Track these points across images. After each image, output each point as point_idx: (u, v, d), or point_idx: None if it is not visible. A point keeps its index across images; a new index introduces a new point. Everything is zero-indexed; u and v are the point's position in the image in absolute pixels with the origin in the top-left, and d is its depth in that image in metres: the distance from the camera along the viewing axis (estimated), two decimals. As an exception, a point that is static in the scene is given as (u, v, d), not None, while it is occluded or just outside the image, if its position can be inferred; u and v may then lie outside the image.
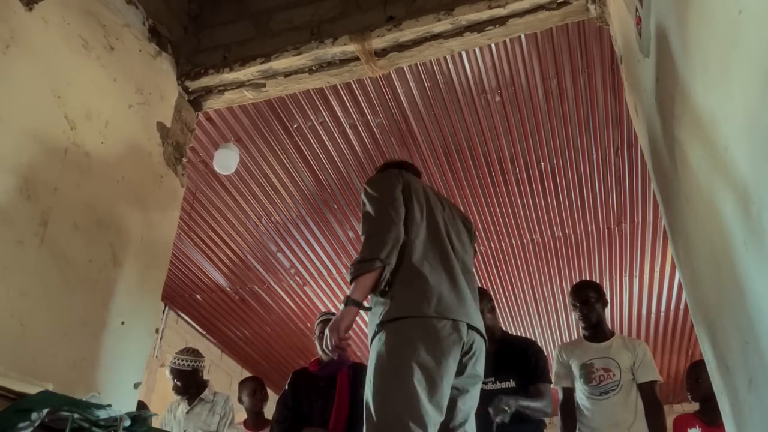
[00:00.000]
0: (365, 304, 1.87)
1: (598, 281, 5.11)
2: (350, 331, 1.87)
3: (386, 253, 1.84)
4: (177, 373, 3.86)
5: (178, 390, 3.87)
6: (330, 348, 1.85)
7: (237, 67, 2.93)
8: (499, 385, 2.84)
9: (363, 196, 2.05)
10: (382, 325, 1.84)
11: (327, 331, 1.86)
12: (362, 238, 1.93)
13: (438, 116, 3.77)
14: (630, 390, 2.95)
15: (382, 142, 3.96)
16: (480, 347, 1.95)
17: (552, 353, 6.37)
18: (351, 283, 1.86)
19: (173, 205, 2.86)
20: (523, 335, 6.38)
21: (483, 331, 1.97)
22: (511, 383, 2.83)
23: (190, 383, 3.86)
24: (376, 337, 1.84)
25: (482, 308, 2.29)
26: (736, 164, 1.05)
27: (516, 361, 2.88)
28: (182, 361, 3.90)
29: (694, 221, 1.46)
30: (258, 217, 4.67)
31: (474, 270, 2.18)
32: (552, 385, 3.23)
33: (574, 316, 3.20)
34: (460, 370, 1.88)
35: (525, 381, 2.83)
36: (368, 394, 1.77)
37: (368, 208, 1.99)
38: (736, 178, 1.05)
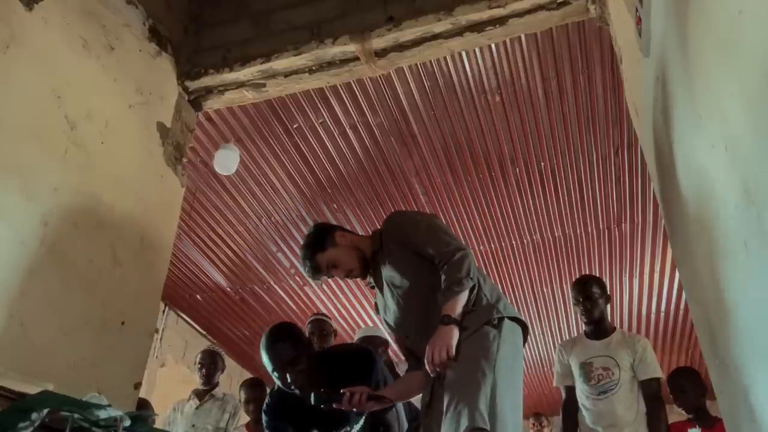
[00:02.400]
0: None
1: (598, 281, 5.10)
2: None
3: (474, 272, 1.93)
4: (210, 354, 4.04)
5: (206, 373, 3.95)
6: (436, 362, 1.79)
7: (237, 67, 2.93)
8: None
9: (409, 219, 2.16)
10: (499, 321, 1.87)
11: (435, 346, 1.81)
12: (443, 254, 1.95)
13: (438, 116, 3.77)
14: (631, 388, 2.92)
15: (382, 142, 3.96)
16: None
17: (552, 354, 6.37)
18: (449, 299, 1.86)
19: (173, 205, 2.86)
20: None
21: None
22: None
23: (216, 368, 4.00)
24: (487, 331, 1.84)
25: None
26: (737, 164, 1.05)
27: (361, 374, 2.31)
28: (212, 346, 4.18)
29: (694, 221, 1.46)
30: (258, 217, 4.67)
31: None
32: (554, 384, 3.23)
33: (576, 311, 3.16)
34: None
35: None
36: (474, 381, 1.72)
37: (432, 225, 2.07)
38: (737, 178, 1.05)
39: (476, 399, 1.67)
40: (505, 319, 1.90)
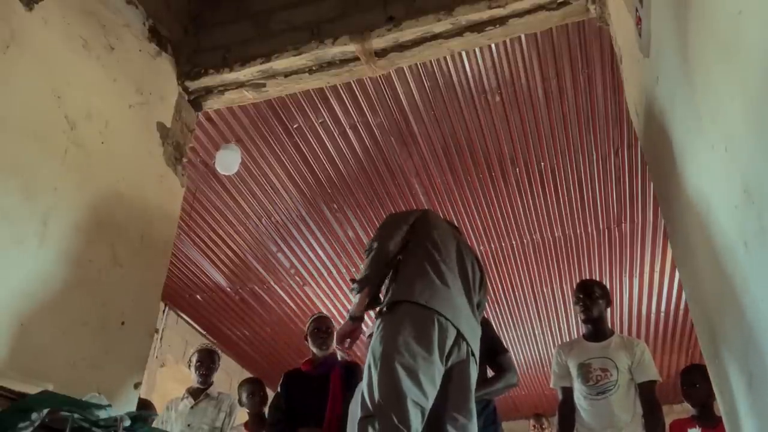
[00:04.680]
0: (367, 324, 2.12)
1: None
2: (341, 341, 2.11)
3: (374, 273, 2.04)
4: (209, 353, 4.01)
5: (205, 372, 3.93)
6: (339, 348, 2.12)
7: (237, 67, 2.93)
8: None
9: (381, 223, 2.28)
10: (380, 314, 1.97)
11: (335, 335, 2.10)
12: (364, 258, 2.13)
13: (438, 116, 3.77)
14: (628, 390, 2.93)
15: (382, 142, 3.96)
16: (468, 361, 1.98)
17: (553, 354, 6.35)
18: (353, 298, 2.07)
19: (173, 205, 2.86)
20: (522, 336, 6.39)
21: (474, 347, 2.00)
22: None
23: (215, 367, 4.00)
24: (378, 323, 1.97)
25: None
26: (736, 164, 1.05)
27: None
28: (208, 344, 4.21)
29: (694, 221, 1.46)
30: (258, 217, 4.67)
31: (483, 309, 2.29)
32: (551, 385, 3.23)
33: (576, 310, 3.18)
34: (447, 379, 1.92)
35: (482, 358, 2.55)
36: (364, 377, 1.87)
37: (380, 226, 2.20)
38: (736, 178, 1.05)
39: (364, 389, 1.83)
40: (401, 303, 1.93)
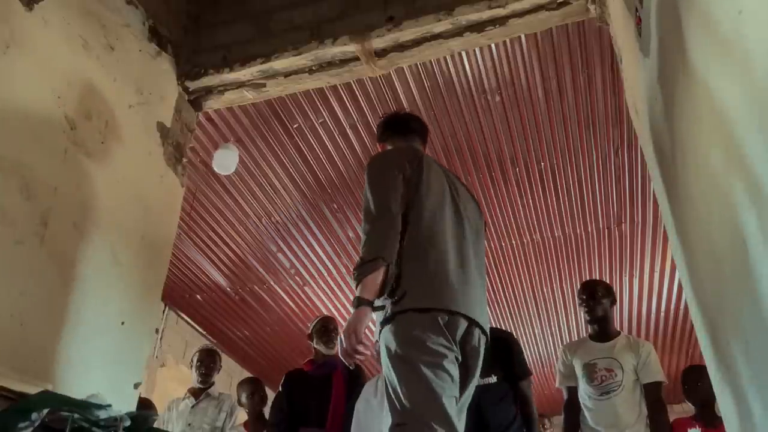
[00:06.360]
0: (376, 303, 1.78)
1: (599, 282, 5.10)
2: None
3: (388, 251, 1.78)
4: (210, 353, 4.03)
5: (205, 372, 3.94)
6: (348, 353, 1.73)
7: (237, 67, 2.93)
8: (481, 381, 2.56)
9: (366, 181, 2.00)
10: (390, 317, 1.79)
11: (342, 337, 1.75)
12: (362, 234, 1.86)
13: (438, 116, 3.77)
14: (633, 391, 2.94)
15: (382, 142, 3.96)
16: (479, 348, 1.91)
17: (553, 354, 6.36)
18: (356, 287, 1.76)
19: (173, 205, 2.86)
20: (522, 336, 6.38)
21: (485, 327, 1.93)
22: (493, 379, 2.62)
23: (216, 367, 4.01)
24: (384, 329, 1.80)
25: None
26: (737, 164, 1.05)
27: (499, 355, 2.56)
28: (208, 345, 4.28)
29: (694, 221, 1.46)
30: (258, 217, 4.67)
31: (484, 258, 2.12)
32: (557, 385, 3.24)
33: (581, 311, 3.20)
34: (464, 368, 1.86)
35: (507, 376, 2.67)
36: (388, 386, 1.76)
37: (368, 199, 1.93)
38: (737, 178, 1.05)
39: (391, 396, 1.72)
40: (407, 313, 1.76)
